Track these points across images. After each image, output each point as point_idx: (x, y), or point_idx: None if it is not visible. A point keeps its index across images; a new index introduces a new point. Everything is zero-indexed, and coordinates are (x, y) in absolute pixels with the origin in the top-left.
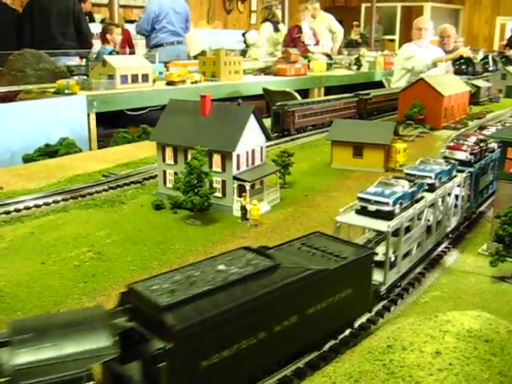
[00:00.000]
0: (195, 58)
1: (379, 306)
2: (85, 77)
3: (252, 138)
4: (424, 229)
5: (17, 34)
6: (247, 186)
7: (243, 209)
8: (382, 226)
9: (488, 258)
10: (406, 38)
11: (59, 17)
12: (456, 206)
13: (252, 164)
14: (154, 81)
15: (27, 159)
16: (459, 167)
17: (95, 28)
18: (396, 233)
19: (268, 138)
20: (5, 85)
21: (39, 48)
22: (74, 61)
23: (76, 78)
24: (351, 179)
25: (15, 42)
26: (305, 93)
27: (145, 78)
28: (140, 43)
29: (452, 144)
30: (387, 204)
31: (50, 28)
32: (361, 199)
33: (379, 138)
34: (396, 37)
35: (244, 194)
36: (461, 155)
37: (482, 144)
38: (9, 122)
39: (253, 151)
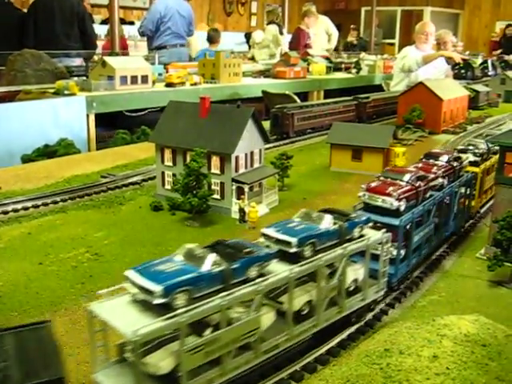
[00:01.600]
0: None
1: (377, 309)
2: (84, 77)
3: (251, 141)
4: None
5: (20, 34)
6: (246, 188)
7: (241, 211)
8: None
9: (486, 262)
10: (406, 41)
11: (63, 17)
12: (376, 272)
13: (251, 166)
14: (154, 82)
15: (26, 159)
16: (384, 219)
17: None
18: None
19: (267, 141)
20: (4, 85)
21: (42, 49)
22: (78, 62)
23: (75, 78)
24: (350, 182)
25: (19, 42)
26: (304, 96)
27: (144, 79)
28: (141, 45)
29: (375, 184)
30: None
31: (53, 29)
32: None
33: (378, 142)
34: (396, 41)
35: (242, 196)
36: (386, 201)
37: (421, 182)
38: (8, 122)
39: (251, 153)
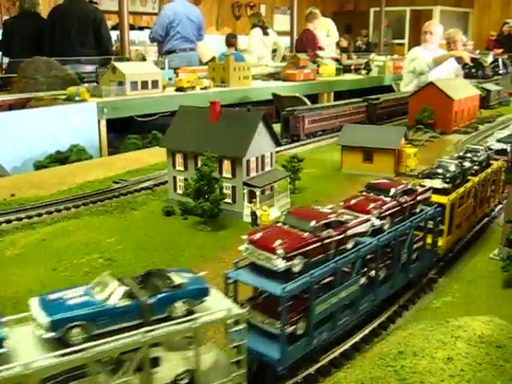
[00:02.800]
0: (207, 64)
1: (390, 311)
2: (95, 84)
3: (262, 144)
4: None
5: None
6: (257, 191)
7: (253, 214)
8: None
9: (499, 263)
10: (415, 41)
11: (79, 25)
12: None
13: (262, 170)
14: (164, 87)
15: (38, 166)
16: (267, 284)
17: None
18: None
19: (278, 144)
20: (16, 92)
21: (58, 55)
22: (89, 68)
23: (86, 85)
24: (361, 184)
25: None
26: (314, 98)
27: (154, 84)
28: (150, 49)
29: (260, 234)
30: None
31: (69, 36)
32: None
33: (389, 143)
34: (405, 41)
35: (254, 199)
36: (270, 260)
37: (331, 230)
38: (20, 129)
39: (262, 157)
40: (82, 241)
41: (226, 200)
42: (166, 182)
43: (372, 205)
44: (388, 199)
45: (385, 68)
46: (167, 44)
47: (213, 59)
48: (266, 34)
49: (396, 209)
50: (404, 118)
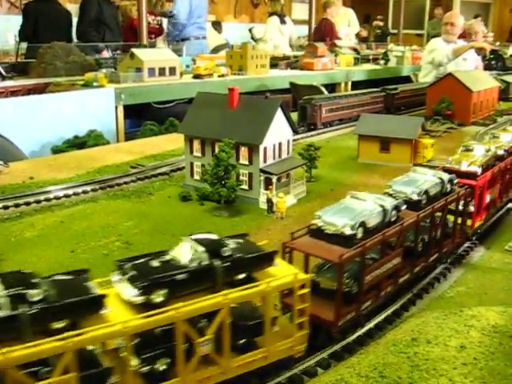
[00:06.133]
0: (213, 51)
1: (405, 298)
2: (113, 69)
3: (279, 132)
4: None
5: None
6: (274, 178)
7: (269, 201)
8: None
9: None
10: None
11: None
12: None
13: (279, 157)
14: (181, 74)
15: (56, 150)
16: None
17: None
18: None
19: (295, 132)
20: (35, 77)
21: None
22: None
23: (104, 70)
24: (378, 174)
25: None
26: (332, 87)
27: (172, 71)
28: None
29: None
30: None
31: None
32: None
33: (406, 133)
34: (424, 31)
35: (270, 186)
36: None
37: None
38: (38, 113)
39: (280, 144)
40: (100, 224)
41: (243, 186)
42: (183, 167)
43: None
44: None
45: (403, 58)
46: (182, 32)
47: (221, 46)
48: (283, 22)
49: None
50: (422, 108)
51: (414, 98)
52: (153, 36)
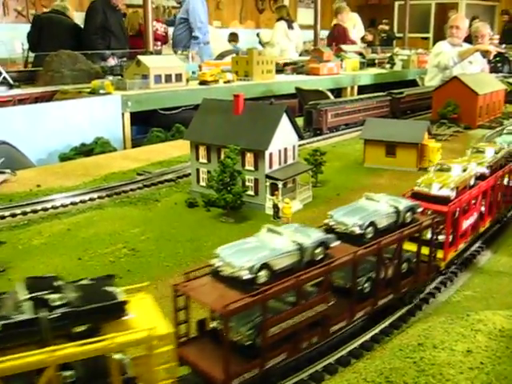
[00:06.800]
0: (218, 57)
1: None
2: (119, 77)
3: (284, 137)
4: None
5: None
6: (280, 184)
7: (275, 207)
8: None
9: None
10: (440, 36)
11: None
12: None
13: (284, 162)
14: (188, 80)
15: (63, 158)
16: None
17: None
18: None
19: (300, 137)
20: (42, 85)
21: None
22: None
23: (111, 78)
24: (384, 178)
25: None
26: (338, 92)
27: (178, 77)
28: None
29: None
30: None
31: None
32: None
33: (412, 137)
34: (430, 35)
35: (276, 192)
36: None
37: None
38: (46, 121)
39: (285, 150)
40: (107, 231)
41: (249, 192)
42: (189, 174)
43: None
44: None
45: (409, 62)
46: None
47: (226, 52)
48: (290, 27)
49: None
50: (428, 112)
51: (419, 102)
52: (159, 43)
